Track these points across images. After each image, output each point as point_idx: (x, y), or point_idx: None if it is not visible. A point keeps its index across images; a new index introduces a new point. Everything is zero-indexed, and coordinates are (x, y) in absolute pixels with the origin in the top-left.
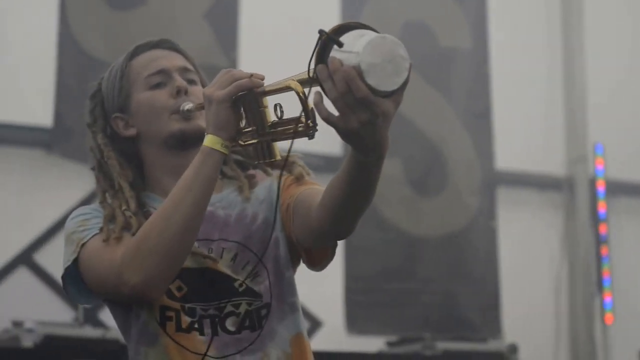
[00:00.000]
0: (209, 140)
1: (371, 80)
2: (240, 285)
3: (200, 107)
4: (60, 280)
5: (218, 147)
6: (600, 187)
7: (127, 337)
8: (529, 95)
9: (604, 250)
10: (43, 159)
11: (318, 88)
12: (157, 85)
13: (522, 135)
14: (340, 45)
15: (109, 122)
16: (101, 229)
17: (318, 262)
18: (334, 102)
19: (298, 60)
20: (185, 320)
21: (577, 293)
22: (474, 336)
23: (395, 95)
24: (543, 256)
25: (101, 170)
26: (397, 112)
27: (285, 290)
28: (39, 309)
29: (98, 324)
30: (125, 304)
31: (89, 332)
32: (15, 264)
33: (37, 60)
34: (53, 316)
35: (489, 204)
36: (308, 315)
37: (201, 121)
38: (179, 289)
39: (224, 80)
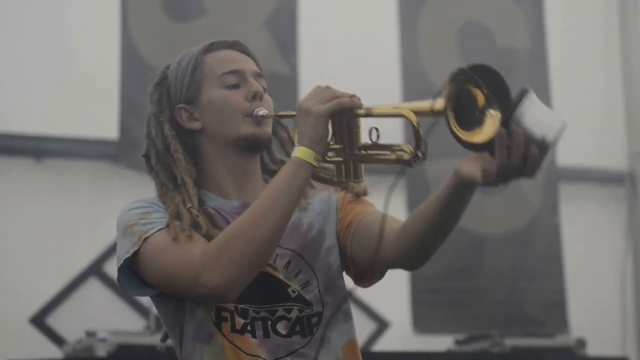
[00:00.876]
0: (303, 153)
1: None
2: (293, 291)
3: (274, 115)
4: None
5: (311, 160)
6: None
7: (179, 333)
8: (588, 90)
9: None
10: (109, 170)
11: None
12: (233, 86)
13: (583, 131)
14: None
15: (172, 112)
16: (167, 225)
17: (368, 281)
18: (499, 166)
19: (358, 65)
20: (239, 321)
21: None
22: (541, 332)
23: None
24: (607, 250)
25: (160, 162)
26: None
27: (337, 298)
28: (110, 319)
29: None
30: (179, 300)
31: None
32: (86, 275)
33: (101, 74)
34: (125, 325)
35: (551, 200)
36: (375, 316)
37: (270, 128)
38: None
39: (324, 95)
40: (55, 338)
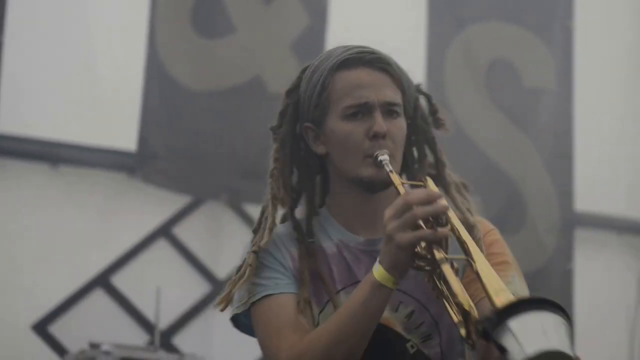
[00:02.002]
0: (382, 276)
1: None
2: (412, 346)
3: (388, 170)
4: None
5: (390, 284)
6: None
7: None
8: (613, 136)
9: None
10: (125, 182)
11: None
12: (353, 115)
13: (604, 178)
14: (502, 350)
15: (300, 127)
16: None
17: None
18: None
19: None
20: None
21: None
22: None
23: None
24: (619, 300)
25: (279, 183)
26: (481, 149)
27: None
28: (114, 332)
29: (172, 348)
30: None
31: (164, 356)
32: (92, 285)
33: (124, 84)
34: (128, 339)
35: (566, 245)
36: None
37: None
38: None
39: (406, 220)
40: (57, 347)
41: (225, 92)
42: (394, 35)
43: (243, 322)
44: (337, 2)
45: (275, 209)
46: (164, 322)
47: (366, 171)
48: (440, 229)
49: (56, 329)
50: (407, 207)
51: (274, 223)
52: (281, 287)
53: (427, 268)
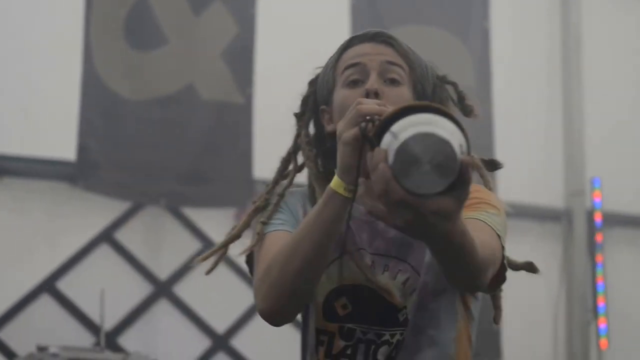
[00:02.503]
0: (334, 182)
1: (407, 183)
2: (403, 315)
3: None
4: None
5: (341, 190)
6: (597, 218)
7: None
8: (529, 131)
9: (600, 279)
10: (67, 191)
11: None
12: (354, 83)
13: (523, 170)
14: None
15: (317, 114)
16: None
17: (492, 289)
18: (377, 198)
19: None
20: (339, 344)
21: (574, 319)
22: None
23: (453, 193)
24: (541, 284)
25: (295, 159)
26: None
27: (427, 321)
28: (61, 335)
29: (118, 348)
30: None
31: (110, 356)
32: (38, 291)
33: (61, 96)
34: (75, 341)
35: None
36: None
37: None
38: (344, 306)
39: (352, 117)
40: (6, 352)
41: (160, 100)
42: (319, 40)
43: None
44: (264, 11)
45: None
46: (109, 323)
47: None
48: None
49: (4, 334)
50: (355, 106)
51: (295, 175)
52: (284, 226)
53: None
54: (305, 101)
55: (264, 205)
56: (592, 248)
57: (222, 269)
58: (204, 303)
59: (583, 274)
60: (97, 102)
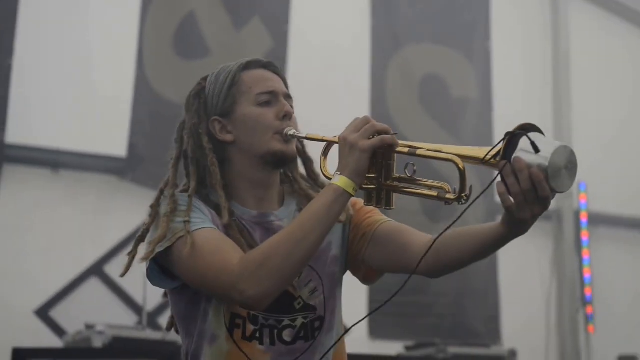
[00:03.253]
0: (344, 183)
1: (554, 183)
2: (299, 303)
3: (303, 137)
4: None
5: (350, 190)
6: (584, 218)
7: (187, 328)
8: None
9: (587, 272)
10: (116, 184)
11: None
12: (266, 104)
13: None
14: (536, 149)
15: (205, 123)
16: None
17: (374, 280)
18: (515, 196)
19: (332, 108)
20: (250, 328)
21: (564, 307)
22: (478, 342)
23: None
24: (536, 276)
25: (194, 166)
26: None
27: (336, 305)
28: (107, 314)
29: (158, 327)
30: (193, 299)
31: (150, 334)
32: (88, 274)
33: (116, 99)
34: (119, 320)
35: None
36: None
37: (295, 147)
38: None
39: (366, 129)
40: (57, 329)
41: None
42: (344, 55)
43: (150, 271)
44: (297, 27)
45: (222, 190)
46: (150, 304)
47: (277, 146)
48: (392, 135)
49: (56, 313)
50: (367, 121)
51: (226, 202)
52: (207, 224)
53: (373, 186)
54: (198, 111)
55: (174, 207)
56: (579, 244)
57: None
58: None
59: (572, 267)
60: (147, 104)
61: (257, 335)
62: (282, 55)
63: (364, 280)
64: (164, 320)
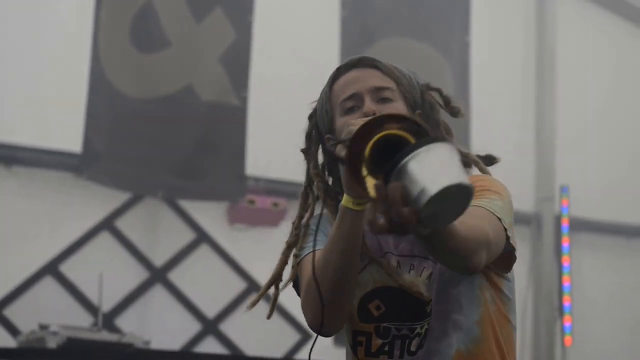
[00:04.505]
0: (344, 199)
1: (429, 222)
2: (428, 305)
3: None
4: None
5: (351, 205)
6: (565, 223)
7: None
8: (503, 141)
9: (566, 280)
10: (72, 181)
11: None
12: (351, 110)
13: (496, 176)
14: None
15: (323, 144)
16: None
17: (506, 269)
18: (386, 219)
19: (303, 99)
20: (376, 343)
21: (540, 317)
22: None
23: None
24: None
25: (306, 196)
26: None
27: (450, 307)
28: (62, 315)
29: (114, 329)
30: None
31: (106, 336)
32: (42, 273)
33: (69, 92)
34: (74, 321)
35: None
36: (300, 327)
37: None
38: (378, 308)
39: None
40: (11, 328)
41: (161, 99)
42: (311, 48)
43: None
44: (261, 19)
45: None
46: (106, 305)
47: None
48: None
49: (9, 312)
50: (350, 124)
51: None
52: (318, 245)
53: None
54: (308, 136)
55: (295, 240)
56: (559, 251)
57: (214, 258)
58: (195, 290)
59: (550, 275)
60: (103, 98)
61: (386, 349)
62: (245, 48)
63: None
64: (120, 321)
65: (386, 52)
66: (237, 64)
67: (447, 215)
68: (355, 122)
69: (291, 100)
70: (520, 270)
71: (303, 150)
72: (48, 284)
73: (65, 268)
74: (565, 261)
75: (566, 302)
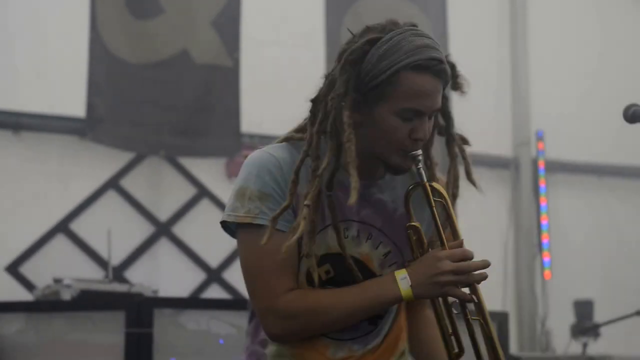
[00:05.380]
0: (406, 294)
1: None
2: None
3: (419, 168)
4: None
5: (406, 299)
6: (541, 166)
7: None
8: (481, 90)
9: (544, 219)
10: (77, 143)
11: None
12: (407, 118)
13: (477, 123)
14: None
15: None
16: (273, 222)
17: None
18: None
19: (290, 62)
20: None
21: (521, 253)
22: None
23: None
24: (493, 224)
25: (333, 140)
26: None
27: None
28: (74, 269)
29: (124, 280)
30: None
31: (117, 287)
32: (54, 231)
33: (71, 60)
34: (86, 275)
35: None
36: None
37: (410, 164)
38: (327, 272)
39: (461, 280)
40: (27, 284)
41: (158, 63)
42: (298, 7)
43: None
44: None
45: (354, 169)
46: (116, 259)
47: (396, 159)
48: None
49: (25, 269)
50: (468, 263)
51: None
52: (279, 225)
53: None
54: (346, 82)
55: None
56: (537, 192)
57: (215, 211)
58: (199, 241)
59: (529, 214)
60: (103, 65)
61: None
62: (236, 12)
63: None
64: (129, 273)
65: (369, 8)
66: (228, 27)
67: None
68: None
69: (280, 62)
70: (501, 212)
71: (339, 95)
72: (60, 241)
73: (75, 226)
74: (543, 201)
75: (545, 240)
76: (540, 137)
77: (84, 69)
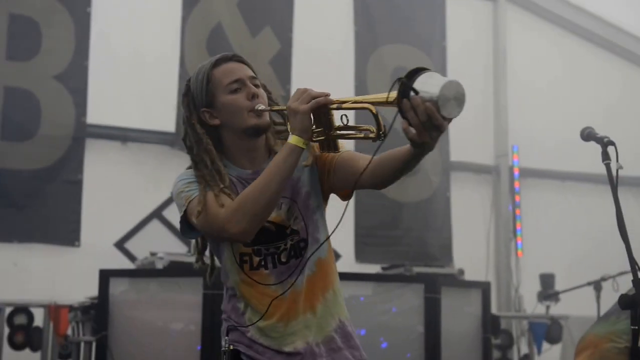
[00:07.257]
0: (296, 140)
1: (444, 112)
2: (288, 230)
3: (269, 110)
4: (178, 225)
5: (301, 144)
6: (516, 172)
7: (220, 261)
8: (472, 114)
9: (517, 212)
10: (168, 152)
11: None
12: (236, 91)
13: (466, 140)
14: (416, 91)
15: (198, 115)
16: (205, 191)
17: (349, 197)
18: (415, 127)
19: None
20: (255, 260)
21: (500, 237)
22: (436, 264)
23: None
24: (479, 215)
25: (198, 150)
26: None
27: (314, 229)
28: (166, 246)
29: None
30: (214, 245)
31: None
32: (150, 217)
33: (165, 88)
34: (175, 249)
35: (445, 182)
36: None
37: (268, 117)
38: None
39: (304, 97)
40: (130, 256)
41: None
42: (335, 55)
43: (182, 229)
44: (299, 34)
45: (219, 162)
46: None
47: (252, 121)
48: (328, 94)
49: (129, 245)
50: (304, 91)
51: (224, 170)
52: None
53: (322, 137)
54: (188, 107)
55: (188, 182)
56: (513, 191)
57: None
58: None
59: (506, 208)
60: None
61: (263, 263)
62: (287, 56)
63: (342, 198)
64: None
65: (388, 53)
66: (282, 66)
67: (454, 110)
68: (309, 89)
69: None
70: (485, 206)
71: (188, 117)
72: (155, 224)
73: (167, 213)
74: (517, 198)
75: (518, 227)
76: (515, 151)
77: (174, 95)
